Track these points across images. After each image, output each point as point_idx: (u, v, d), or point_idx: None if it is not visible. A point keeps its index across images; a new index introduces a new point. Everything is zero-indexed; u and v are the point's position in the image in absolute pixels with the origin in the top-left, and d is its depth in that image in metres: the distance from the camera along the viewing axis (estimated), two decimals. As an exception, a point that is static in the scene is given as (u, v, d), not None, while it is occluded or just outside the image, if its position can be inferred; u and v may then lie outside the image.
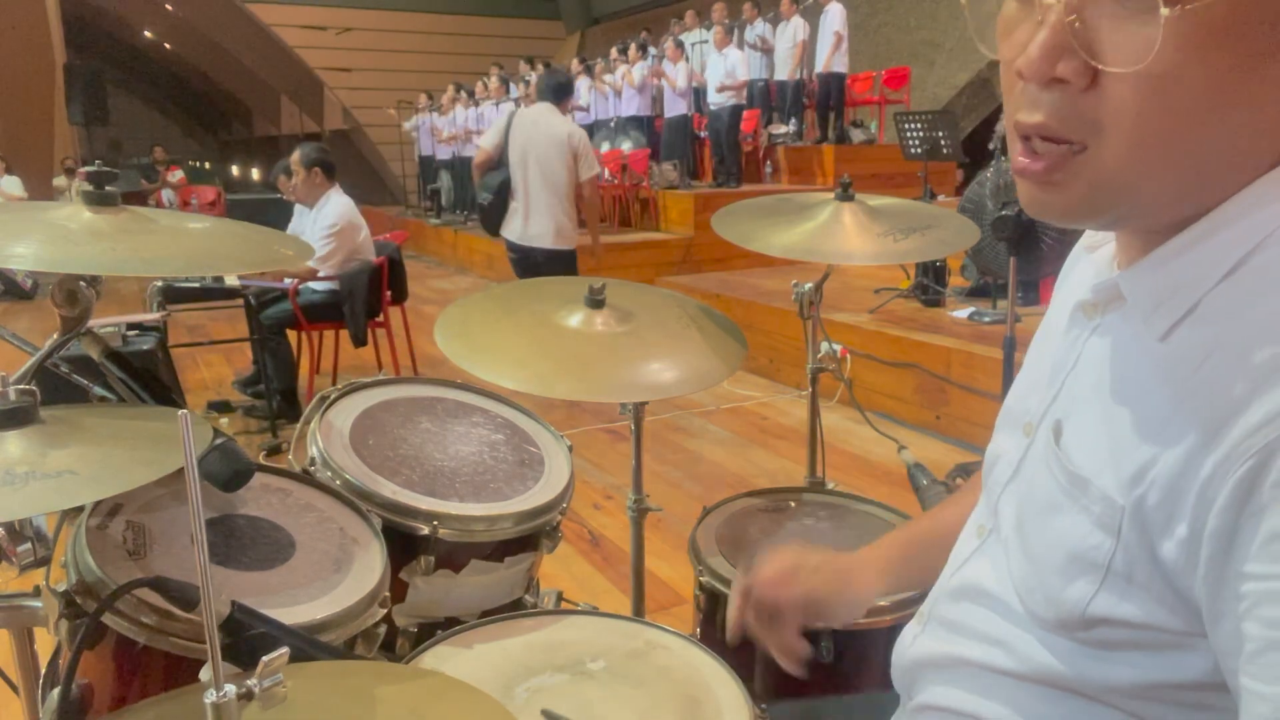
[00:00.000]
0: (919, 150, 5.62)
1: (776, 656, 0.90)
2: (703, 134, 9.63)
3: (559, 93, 4.21)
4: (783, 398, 4.77)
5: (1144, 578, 0.55)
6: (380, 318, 4.54)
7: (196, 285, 4.01)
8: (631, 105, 9.87)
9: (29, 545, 0.92)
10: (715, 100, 8.78)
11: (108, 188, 1.01)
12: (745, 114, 9.14)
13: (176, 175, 15.30)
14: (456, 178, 11.66)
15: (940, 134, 5.55)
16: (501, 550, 1.28)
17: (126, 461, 0.82)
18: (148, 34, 18.57)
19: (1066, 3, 0.51)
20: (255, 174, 19.80)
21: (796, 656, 0.90)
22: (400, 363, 4.86)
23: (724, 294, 5.55)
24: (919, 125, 5.63)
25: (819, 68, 9.03)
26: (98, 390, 1.11)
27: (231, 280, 4.11)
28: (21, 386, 0.84)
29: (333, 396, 1.39)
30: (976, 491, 0.82)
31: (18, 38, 12.57)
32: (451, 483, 1.30)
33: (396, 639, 1.22)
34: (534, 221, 4.19)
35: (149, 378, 1.11)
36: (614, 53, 10.33)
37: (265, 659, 0.58)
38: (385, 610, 1.06)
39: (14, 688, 1.07)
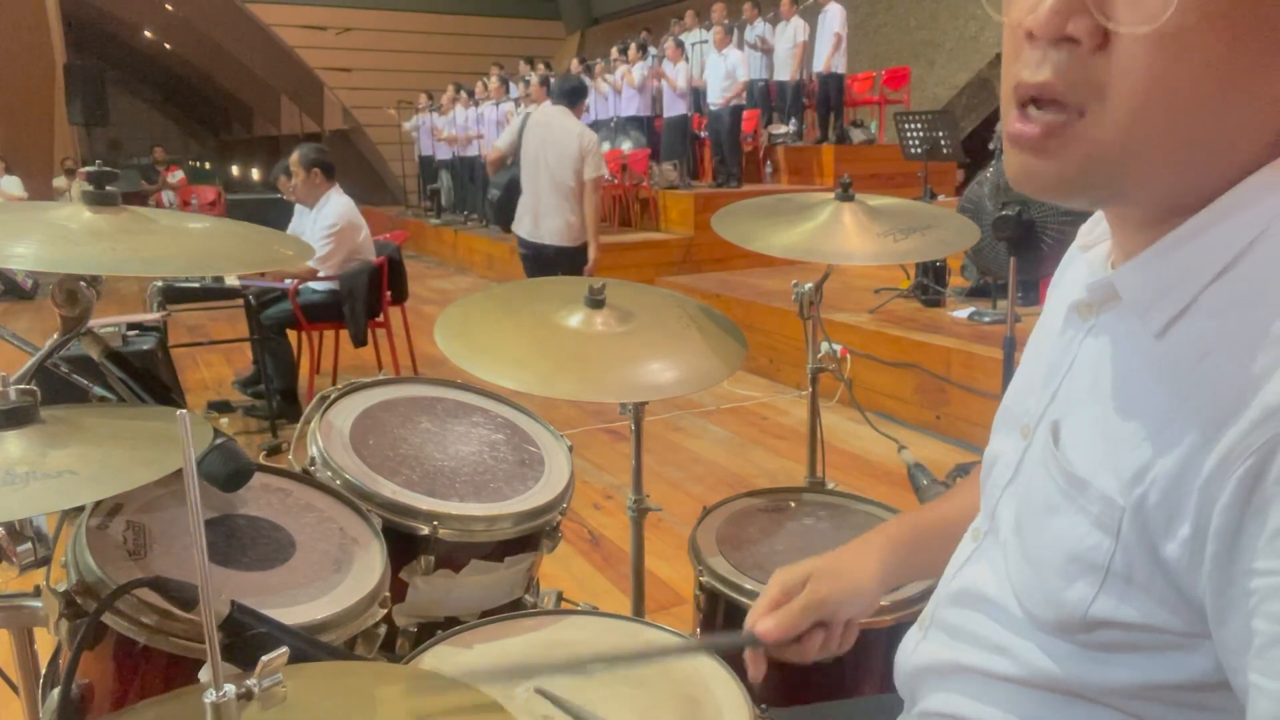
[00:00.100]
0: (919, 150, 5.62)
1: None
2: (703, 134, 9.63)
3: (573, 96, 4.37)
4: (783, 398, 4.77)
5: (1144, 578, 0.55)
6: (380, 318, 4.55)
7: (196, 285, 4.00)
8: (631, 105, 9.86)
9: (29, 545, 0.92)
10: (715, 100, 8.78)
11: (108, 188, 1.01)
12: (745, 114, 9.14)
13: (176, 175, 15.29)
14: (456, 178, 11.66)
15: (940, 134, 5.55)
16: (501, 550, 1.29)
17: (126, 461, 0.82)
18: (148, 34, 18.55)
19: None
20: (255, 174, 19.79)
21: (809, 658, 0.89)
22: (400, 363, 4.86)
23: (724, 294, 5.55)
24: (919, 125, 5.64)
25: (819, 68, 9.03)
26: (98, 390, 1.11)
27: (231, 280, 4.11)
28: (22, 386, 0.84)
29: (333, 396, 1.39)
30: (975, 487, 0.82)
31: (18, 38, 12.56)
32: (451, 483, 1.30)
33: (396, 639, 1.22)
34: (544, 219, 4.37)
35: (149, 378, 1.11)
36: (614, 53, 10.32)
37: (265, 659, 0.58)
38: (385, 610, 1.06)
39: (14, 688, 1.07)
